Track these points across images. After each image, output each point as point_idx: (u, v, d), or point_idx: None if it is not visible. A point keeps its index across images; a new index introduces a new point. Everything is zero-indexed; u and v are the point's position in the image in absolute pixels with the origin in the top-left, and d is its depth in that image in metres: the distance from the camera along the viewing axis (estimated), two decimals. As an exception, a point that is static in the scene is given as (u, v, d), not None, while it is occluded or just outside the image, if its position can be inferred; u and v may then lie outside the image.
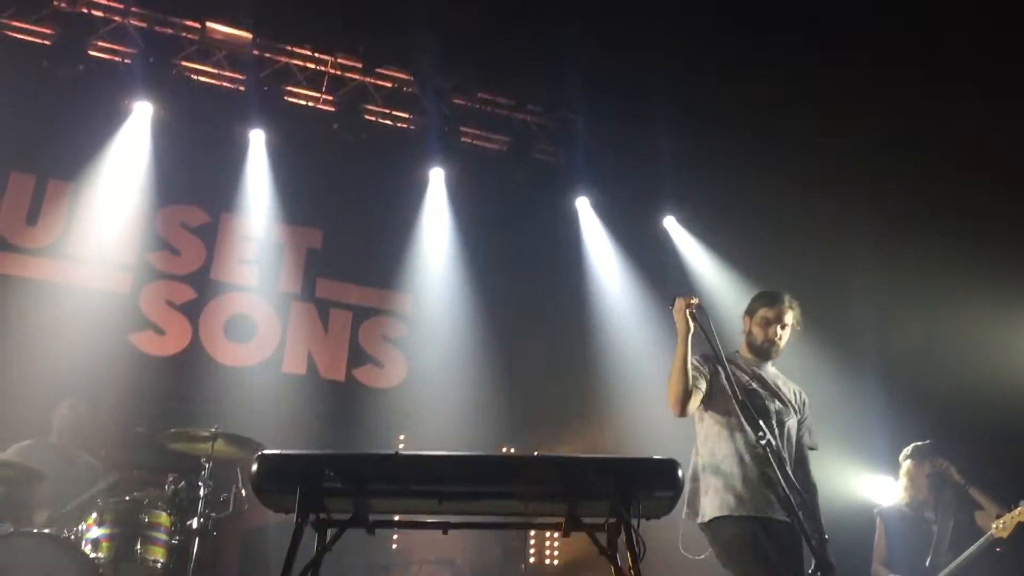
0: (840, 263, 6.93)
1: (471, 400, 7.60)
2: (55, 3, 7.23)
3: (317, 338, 7.92)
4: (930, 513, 5.55)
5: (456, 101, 8.31)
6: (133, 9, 7.45)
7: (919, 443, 5.76)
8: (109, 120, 7.46)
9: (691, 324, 4.04)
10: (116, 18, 7.43)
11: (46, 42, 7.27)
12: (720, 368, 4.05)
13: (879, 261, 7.25)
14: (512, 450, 7.17)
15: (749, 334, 4.37)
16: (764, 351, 4.31)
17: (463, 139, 8.35)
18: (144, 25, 7.48)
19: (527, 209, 8.36)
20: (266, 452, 2.80)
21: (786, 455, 4.03)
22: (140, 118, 7.54)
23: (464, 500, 2.91)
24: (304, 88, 7.97)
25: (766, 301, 4.34)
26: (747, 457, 4.03)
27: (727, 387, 4.01)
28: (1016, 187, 6.90)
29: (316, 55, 7.92)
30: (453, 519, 3.03)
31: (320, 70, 7.97)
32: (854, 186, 7.49)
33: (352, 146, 7.99)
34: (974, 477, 5.52)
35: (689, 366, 4.08)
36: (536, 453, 3.02)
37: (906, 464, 5.71)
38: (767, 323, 4.30)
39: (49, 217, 7.31)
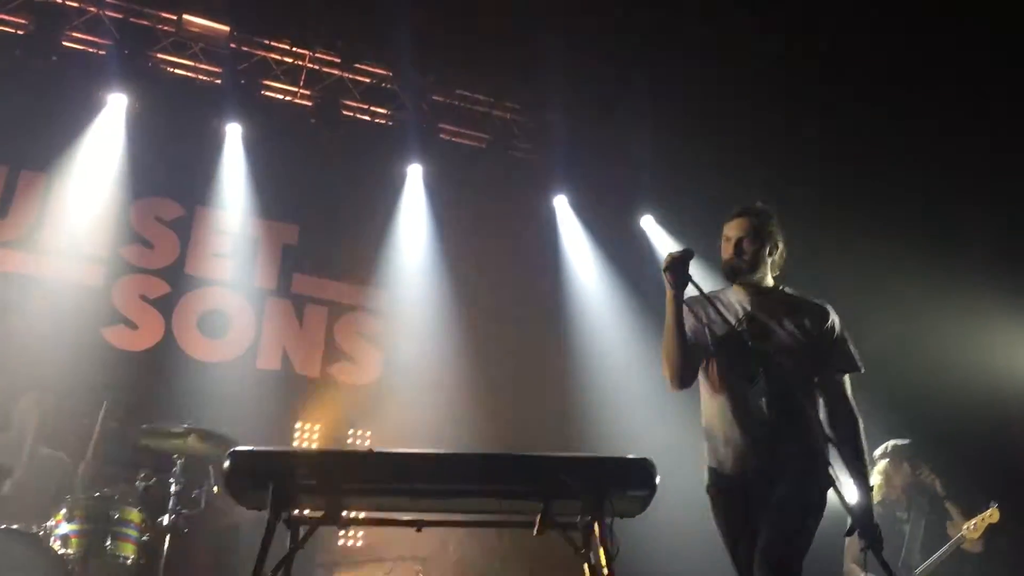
0: (813, 263, 6.98)
1: (446, 398, 7.58)
2: (29, -8, 7.15)
3: (292, 334, 7.87)
4: (902, 512, 5.60)
5: (435, 98, 8.30)
6: (108, 0, 7.37)
7: (898, 442, 5.76)
8: (83, 111, 7.37)
9: (679, 280, 3.49)
10: (92, 8, 7.35)
11: (20, 31, 7.18)
12: (703, 311, 3.65)
13: (851, 261, 7.33)
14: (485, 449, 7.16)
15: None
16: (736, 273, 3.69)
17: (441, 135, 8.34)
18: (120, 16, 7.40)
19: (505, 207, 8.36)
20: (238, 448, 2.78)
21: (785, 398, 3.43)
22: (115, 110, 7.46)
23: (438, 498, 2.91)
24: (281, 82, 7.93)
25: (726, 218, 3.80)
26: (730, 414, 3.53)
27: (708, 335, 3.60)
28: (987, 192, 6.99)
29: (294, 49, 7.88)
30: (427, 517, 3.03)
31: (298, 64, 7.92)
32: (827, 187, 7.57)
33: (329, 141, 7.95)
34: (952, 492, 5.58)
35: (684, 328, 3.56)
36: (511, 452, 3.01)
37: (883, 463, 5.72)
38: (726, 241, 3.74)
39: (21, 209, 7.21)
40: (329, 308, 8.05)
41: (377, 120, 8.24)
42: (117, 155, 7.42)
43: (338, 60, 7.97)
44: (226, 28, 7.60)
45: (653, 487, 2.81)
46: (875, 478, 5.65)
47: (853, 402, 3.55)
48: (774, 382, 3.45)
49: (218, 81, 7.71)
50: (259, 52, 7.82)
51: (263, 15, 7.65)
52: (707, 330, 3.62)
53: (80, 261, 7.26)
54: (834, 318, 3.64)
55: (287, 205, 8.04)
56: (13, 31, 7.18)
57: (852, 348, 3.62)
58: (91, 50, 7.40)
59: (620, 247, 8.63)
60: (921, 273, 6.96)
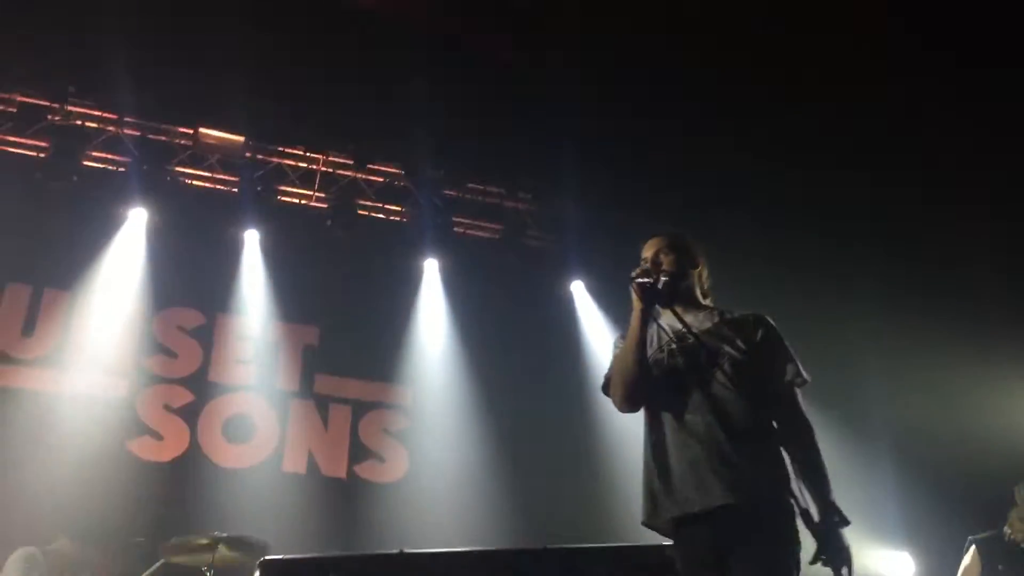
0: (844, 339, 6.95)
1: (474, 492, 7.50)
2: (49, 117, 7.37)
3: (317, 435, 7.83)
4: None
5: (447, 192, 8.42)
6: (127, 119, 7.59)
7: None
8: (104, 228, 7.52)
9: (649, 295, 3.29)
10: (110, 128, 7.56)
11: (40, 155, 7.38)
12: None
13: (881, 334, 7.29)
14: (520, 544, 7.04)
15: None
16: (664, 297, 3.39)
17: (455, 228, 8.43)
18: (138, 133, 7.61)
19: (522, 295, 8.39)
20: (269, 559, 2.75)
21: (724, 414, 3.13)
22: (135, 224, 7.61)
23: (472, 598, 2.84)
24: (297, 187, 8.08)
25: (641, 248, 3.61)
26: (670, 439, 3.20)
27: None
28: (1008, 266, 6.99)
29: (307, 154, 8.06)
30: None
31: (312, 168, 8.09)
32: (854, 262, 7.58)
33: (346, 241, 8.06)
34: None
35: (645, 345, 3.32)
36: (545, 546, 2.94)
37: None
38: (643, 263, 3.50)
39: (45, 327, 7.30)
40: (353, 407, 8.02)
41: (392, 217, 8.36)
42: (138, 268, 7.54)
43: (351, 161, 8.13)
44: (240, 138, 7.79)
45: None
46: (1013, 512, 5.42)
47: (805, 412, 3.24)
48: (716, 401, 3.16)
49: (235, 190, 7.87)
50: (274, 159, 7.99)
51: (277, 123, 7.85)
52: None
53: (104, 375, 7.30)
54: (772, 327, 3.37)
55: (306, 307, 8.10)
56: (34, 154, 7.39)
57: (795, 357, 3.31)
58: (111, 168, 7.60)
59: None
60: (947, 344, 6.92)
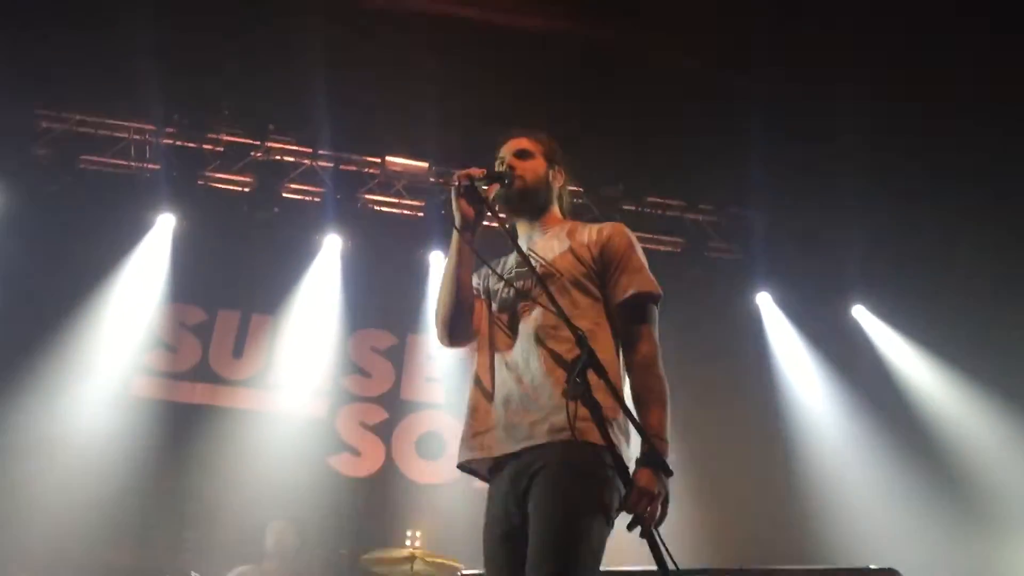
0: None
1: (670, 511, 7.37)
2: (252, 154, 7.89)
3: (507, 452, 7.95)
4: None
5: (626, 207, 8.38)
6: (320, 152, 8.03)
7: None
8: (303, 255, 7.98)
9: (469, 209, 2.84)
10: (306, 161, 8.02)
11: (245, 189, 7.92)
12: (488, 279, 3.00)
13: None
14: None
15: None
16: (512, 206, 3.02)
17: (637, 244, 8.37)
18: (331, 165, 8.04)
19: (707, 309, 8.21)
20: (465, 574, 2.80)
21: (546, 348, 2.70)
22: (330, 250, 8.03)
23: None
24: (479, 209, 8.26)
25: (498, 142, 3.14)
26: (488, 379, 2.82)
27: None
28: None
29: (491, 176, 8.23)
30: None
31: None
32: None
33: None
34: None
35: (464, 272, 2.90)
36: (739, 566, 2.85)
37: None
38: (499, 164, 3.05)
39: (253, 349, 7.81)
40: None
41: (572, 235, 8.40)
42: (335, 292, 7.94)
43: (531, 181, 8.24)
44: (425, 164, 8.06)
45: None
46: None
47: (648, 332, 2.79)
48: (541, 333, 2.72)
49: (420, 214, 8.16)
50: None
51: (461, 148, 8.07)
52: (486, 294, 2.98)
53: (306, 394, 7.72)
54: (620, 237, 2.90)
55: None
56: (240, 189, 7.94)
57: (642, 269, 2.87)
58: (307, 198, 8.04)
59: (832, 341, 8.26)
60: None
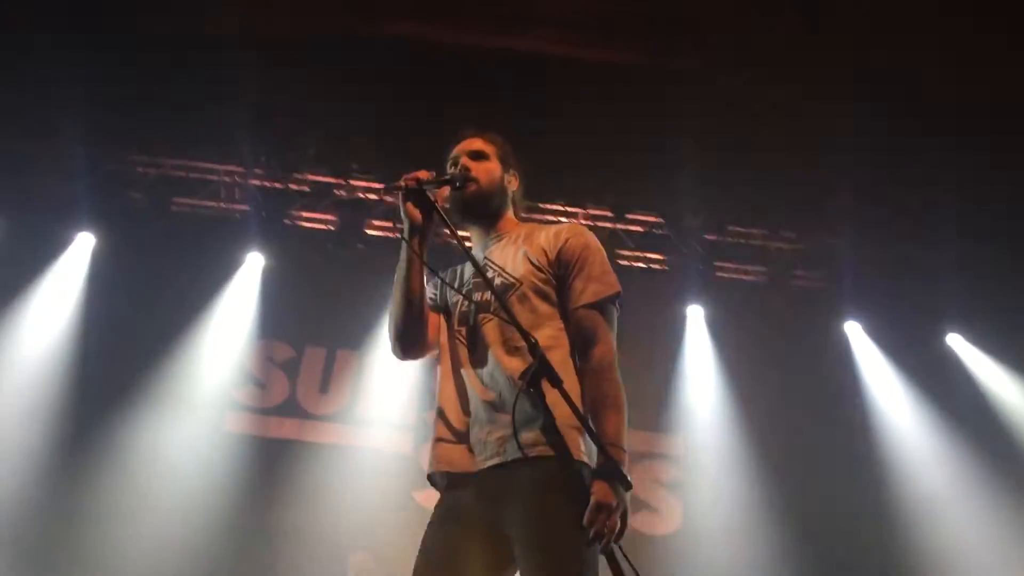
0: None
1: (754, 545, 7.22)
2: (336, 192, 8.07)
3: (592, 487, 7.87)
4: None
5: (707, 237, 8.29)
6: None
7: None
8: (386, 292, 8.04)
9: (416, 214, 2.72)
10: (388, 199, 8.16)
11: (330, 227, 8.09)
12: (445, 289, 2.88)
13: None
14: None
15: None
16: (466, 211, 2.87)
17: (718, 274, 8.28)
18: (411, 202, 8.15)
19: (793, 339, 8.05)
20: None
21: (503, 360, 2.57)
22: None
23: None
24: (559, 240, 8.27)
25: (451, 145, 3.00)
26: (451, 394, 2.71)
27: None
28: None
29: (567, 208, 8.24)
30: None
31: (573, 222, 8.27)
32: None
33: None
34: None
35: (415, 280, 2.77)
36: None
37: None
38: (451, 168, 2.91)
39: (338, 384, 7.92)
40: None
41: (652, 266, 8.35)
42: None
43: (610, 213, 8.23)
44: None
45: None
46: None
47: (605, 337, 2.62)
48: (499, 344, 2.60)
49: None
50: (535, 216, 8.24)
51: (538, 180, 8.10)
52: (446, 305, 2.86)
53: (391, 429, 7.79)
54: (577, 238, 2.75)
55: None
56: (325, 227, 8.12)
57: (600, 274, 2.69)
58: (390, 235, 8.17)
59: (925, 371, 8.00)
60: None
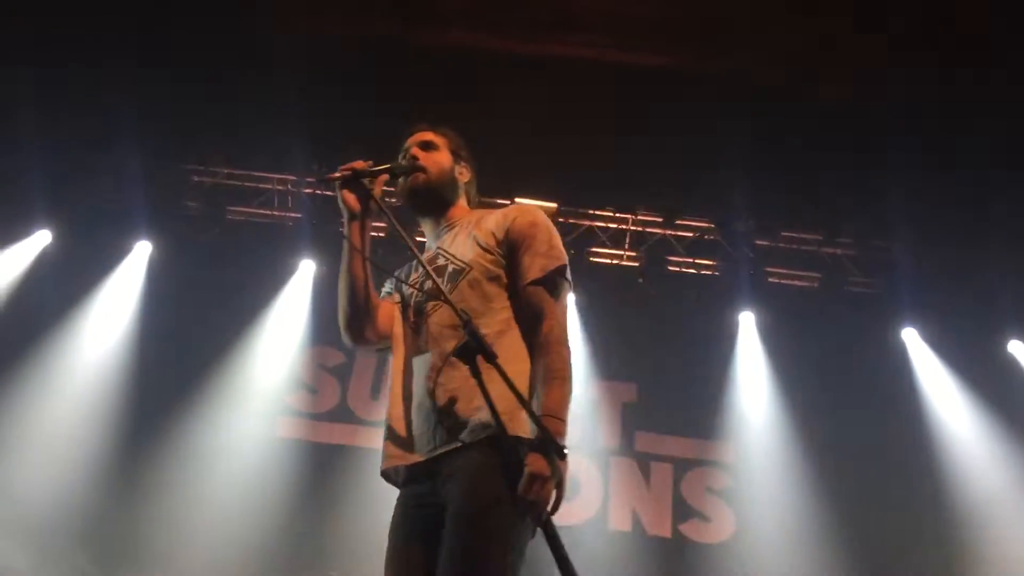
0: None
1: (809, 554, 7.12)
2: (385, 199, 8.11)
3: (640, 493, 7.83)
4: None
5: (759, 242, 8.20)
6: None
7: None
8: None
9: (353, 200, 2.74)
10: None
11: (381, 234, 8.12)
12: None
13: None
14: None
15: None
16: (415, 200, 2.89)
17: (771, 279, 8.19)
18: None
19: (847, 346, 7.94)
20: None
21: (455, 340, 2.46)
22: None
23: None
24: (608, 247, 8.26)
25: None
26: (401, 384, 2.71)
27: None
28: None
29: (617, 215, 8.21)
30: None
31: (622, 229, 8.23)
32: None
33: (658, 298, 8.10)
34: None
35: (358, 268, 2.79)
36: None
37: None
38: (403, 160, 2.90)
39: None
40: (674, 465, 7.95)
41: (703, 272, 8.28)
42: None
43: (660, 220, 8.18)
44: (554, 205, 8.10)
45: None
46: None
47: (552, 313, 2.60)
48: (446, 324, 2.59)
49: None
50: (584, 222, 8.24)
51: (585, 188, 8.09)
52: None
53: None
54: (523, 212, 2.76)
55: (623, 364, 8.18)
56: (375, 235, 8.12)
57: (547, 251, 2.67)
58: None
59: (985, 378, 7.83)
60: None
